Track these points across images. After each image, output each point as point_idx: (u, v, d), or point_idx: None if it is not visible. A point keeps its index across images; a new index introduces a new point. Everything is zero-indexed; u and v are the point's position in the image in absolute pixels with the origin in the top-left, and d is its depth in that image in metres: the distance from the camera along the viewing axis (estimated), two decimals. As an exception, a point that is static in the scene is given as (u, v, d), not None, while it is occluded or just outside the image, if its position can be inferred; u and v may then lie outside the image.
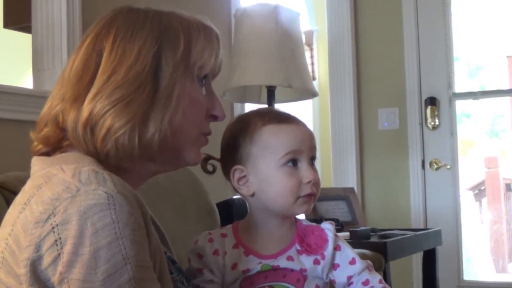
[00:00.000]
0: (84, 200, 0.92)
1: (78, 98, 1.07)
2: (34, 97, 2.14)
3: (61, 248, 0.90)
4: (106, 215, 0.91)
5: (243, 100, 3.08)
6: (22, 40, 3.05)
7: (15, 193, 1.06)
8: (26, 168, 1.08)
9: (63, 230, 0.91)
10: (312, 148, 1.22)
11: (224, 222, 2.33)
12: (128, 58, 1.08)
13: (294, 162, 1.20)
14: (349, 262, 1.22)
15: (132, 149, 1.06)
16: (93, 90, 1.07)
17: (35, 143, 1.11)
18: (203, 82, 1.16)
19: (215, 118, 1.18)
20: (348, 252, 1.23)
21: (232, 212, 2.41)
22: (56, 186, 0.96)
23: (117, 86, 1.06)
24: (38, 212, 0.94)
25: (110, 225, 0.91)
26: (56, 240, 0.91)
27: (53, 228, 0.91)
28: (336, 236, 1.24)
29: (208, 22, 1.18)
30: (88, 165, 1.01)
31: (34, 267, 0.92)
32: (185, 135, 1.12)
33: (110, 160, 1.07)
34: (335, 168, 4.01)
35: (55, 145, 1.09)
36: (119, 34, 1.10)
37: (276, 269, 1.18)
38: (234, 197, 2.44)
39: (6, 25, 2.84)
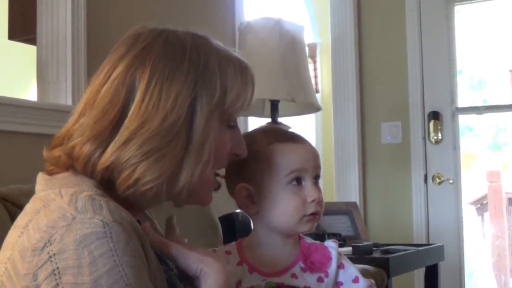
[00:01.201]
0: (80, 229, 0.92)
1: (100, 135, 1.03)
2: (39, 110, 2.15)
3: (60, 278, 0.90)
4: (103, 243, 0.91)
5: (247, 114, 3.08)
6: (27, 52, 3.06)
7: (18, 205, 1.07)
8: (30, 181, 1.08)
9: (61, 259, 0.90)
10: (317, 167, 1.23)
11: (226, 236, 2.32)
12: (164, 104, 1.02)
13: (298, 180, 1.20)
14: (353, 280, 1.23)
15: (157, 200, 1.04)
16: (122, 135, 1.02)
17: (47, 162, 1.08)
18: (232, 123, 1.13)
19: (236, 156, 1.16)
20: (352, 271, 1.23)
21: (235, 226, 2.40)
22: (53, 213, 0.95)
23: (151, 136, 1.01)
24: (35, 239, 0.93)
25: (108, 253, 0.90)
26: (54, 270, 0.90)
27: (50, 257, 0.91)
28: (339, 254, 1.24)
29: (244, 59, 1.14)
30: (86, 190, 1.00)
31: None
32: (209, 181, 1.11)
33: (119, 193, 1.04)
34: (337, 182, 4.01)
35: (63, 168, 1.07)
36: (155, 72, 1.04)
37: (280, 286, 1.18)
38: (237, 210, 2.43)
39: (11, 36, 2.85)
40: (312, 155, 1.23)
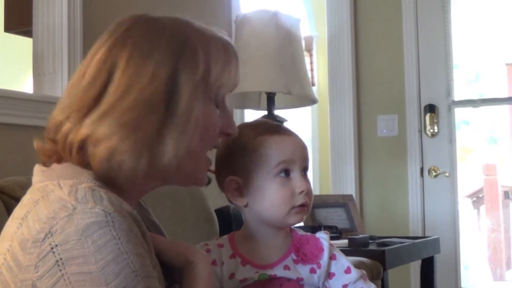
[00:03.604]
0: (81, 218, 0.91)
1: (80, 111, 1.04)
2: (34, 102, 2.14)
3: (64, 269, 0.90)
4: (106, 232, 0.91)
5: (243, 106, 3.09)
6: (23, 44, 3.06)
7: (14, 198, 1.06)
8: (26, 173, 1.08)
9: (63, 250, 0.90)
10: (305, 158, 1.23)
11: (222, 228, 2.33)
12: (142, 78, 1.03)
13: (286, 172, 1.21)
14: (345, 271, 1.24)
15: (135, 172, 1.03)
16: (100, 109, 1.03)
17: (38, 153, 1.08)
18: (221, 103, 1.14)
19: (227, 135, 1.17)
20: (343, 262, 1.25)
21: (230, 219, 2.41)
22: (53, 204, 0.95)
23: (127, 108, 1.02)
24: (35, 230, 0.93)
25: (112, 241, 0.91)
26: (57, 261, 0.90)
27: (52, 248, 0.91)
28: (331, 245, 1.25)
29: (226, 36, 1.15)
30: (85, 182, 1.00)
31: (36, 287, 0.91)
32: (200, 158, 1.11)
33: (106, 177, 1.04)
34: (333, 175, 4.01)
35: (52, 157, 1.07)
36: (134, 50, 1.05)
37: (273, 278, 1.19)
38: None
39: (7, 29, 2.84)
40: (300, 146, 1.24)
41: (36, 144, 1.09)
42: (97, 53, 1.07)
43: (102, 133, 1.01)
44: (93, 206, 0.93)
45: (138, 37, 1.07)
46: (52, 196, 0.97)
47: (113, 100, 1.03)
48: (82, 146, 1.03)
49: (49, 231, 0.92)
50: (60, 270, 0.90)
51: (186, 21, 1.12)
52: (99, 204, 0.94)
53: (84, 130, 1.02)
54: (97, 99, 1.04)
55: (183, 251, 1.08)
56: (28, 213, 0.97)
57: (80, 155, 1.03)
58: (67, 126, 1.04)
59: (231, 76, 1.13)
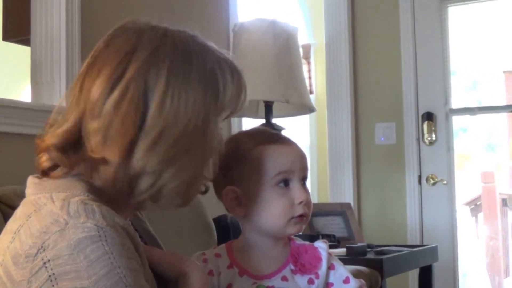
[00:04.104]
0: (73, 233, 0.91)
1: (128, 144, 1.00)
2: (32, 111, 2.14)
3: (57, 284, 0.89)
4: (99, 247, 0.90)
5: (241, 115, 3.09)
6: (21, 53, 3.06)
7: (12, 207, 1.06)
8: (24, 182, 1.07)
9: (56, 265, 0.90)
10: (304, 168, 1.22)
11: (220, 237, 2.32)
12: (184, 110, 1.01)
13: (285, 182, 1.20)
14: (343, 281, 1.22)
15: (172, 202, 1.05)
16: (147, 139, 1.00)
17: (51, 164, 1.04)
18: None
19: None
20: (342, 271, 1.23)
21: (229, 228, 2.40)
22: (45, 218, 0.94)
23: (175, 141, 1.01)
24: (27, 245, 0.93)
25: (105, 256, 0.90)
26: (49, 276, 0.90)
27: (44, 263, 0.90)
28: (330, 254, 1.24)
29: (236, 63, 1.13)
30: (78, 195, 0.99)
31: None
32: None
33: (104, 192, 1.03)
34: (331, 183, 4.01)
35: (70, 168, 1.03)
36: (170, 78, 1.02)
37: None
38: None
39: (5, 37, 2.84)
40: (299, 156, 1.23)
41: (56, 155, 1.03)
42: (124, 72, 1.02)
43: (150, 169, 1.01)
44: (85, 220, 0.92)
45: (170, 61, 1.03)
46: (45, 210, 0.96)
47: (157, 132, 1.00)
48: (133, 181, 1.02)
49: (42, 246, 0.91)
50: (53, 286, 0.89)
51: (204, 43, 1.10)
52: (91, 218, 0.93)
53: (136, 164, 1.00)
54: (139, 129, 1.00)
55: (177, 262, 1.08)
56: (21, 227, 0.96)
57: (124, 186, 1.02)
58: (116, 159, 1.00)
59: (238, 107, 1.13)
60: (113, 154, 1.00)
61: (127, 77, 1.01)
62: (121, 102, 1.00)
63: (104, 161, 1.01)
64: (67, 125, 1.03)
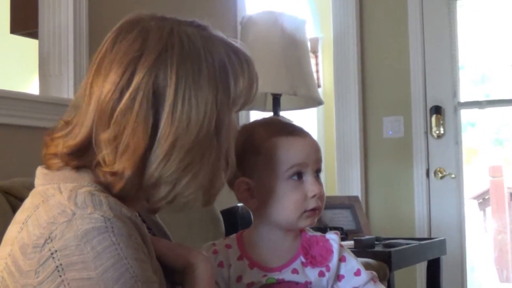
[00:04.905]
0: (80, 224, 0.91)
1: (142, 154, 0.98)
2: (41, 103, 2.15)
3: (64, 275, 0.89)
4: (105, 238, 0.90)
5: (249, 108, 3.08)
6: (29, 46, 3.06)
7: (20, 199, 1.05)
8: (32, 174, 1.07)
9: (63, 256, 0.90)
10: (318, 160, 1.20)
11: (228, 230, 2.33)
12: (196, 114, 0.99)
13: (299, 175, 1.18)
14: (354, 273, 1.21)
15: (192, 205, 1.05)
16: (161, 149, 0.98)
17: (54, 157, 1.03)
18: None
19: None
20: (353, 263, 1.22)
21: (236, 220, 2.40)
22: (52, 209, 0.94)
23: (188, 149, 0.99)
24: (35, 236, 0.93)
25: (111, 247, 0.90)
26: (57, 267, 0.90)
27: (51, 254, 0.90)
28: (341, 246, 1.22)
29: (247, 52, 1.10)
30: (86, 186, 0.98)
31: None
32: None
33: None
34: (339, 176, 4.01)
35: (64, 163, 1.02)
36: (180, 80, 0.99)
37: (280, 282, 1.17)
38: (239, 204, 2.43)
39: (13, 30, 2.85)
40: (314, 149, 1.21)
41: (63, 153, 1.02)
42: (132, 75, 0.99)
43: (167, 178, 0.99)
44: (92, 211, 0.92)
45: (178, 61, 1.00)
46: (52, 201, 0.96)
47: (172, 140, 0.98)
48: (148, 188, 1.01)
49: (49, 237, 0.91)
50: (60, 276, 0.90)
51: (210, 33, 1.07)
52: (99, 209, 0.93)
53: (151, 173, 0.99)
54: (152, 136, 0.98)
55: (184, 253, 1.07)
56: (29, 218, 0.96)
57: (140, 192, 1.01)
58: (128, 172, 0.98)
59: (249, 100, 1.10)
60: (125, 167, 0.98)
61: (134, 85, 0.98)
62: (129, 112, 0.98)
63: (115, 174, 0.99)
64: (80, 137, 1.01)
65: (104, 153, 0.99)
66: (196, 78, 1.00)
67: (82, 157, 1.01)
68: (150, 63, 0.99)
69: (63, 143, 1.02)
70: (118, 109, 0.98)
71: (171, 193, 1.01)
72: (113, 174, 0.99)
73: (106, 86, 0.99)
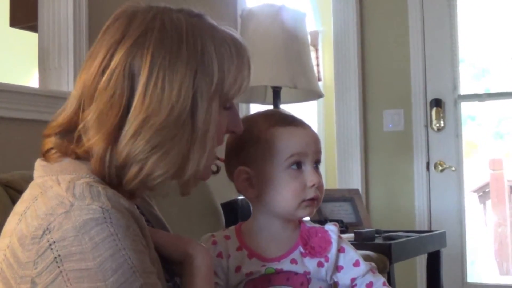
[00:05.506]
0: (78, 215, 0.91)
1: (109, 132, 0.99)
2: (40, 96, 2.15)
3: (62, 266, 0.90)
4: (103, 229, 0.91)
5: (249, 101, 3.09)
6: (29, 39, 3.06)
7: (20, 192, 1.06)
8: (32, 167, 1.07)
9: (61, 247, 0.90)
10: (317, 151, 1.21)
11: (228, 223, 2.33)
12: (169, 95, 1.00)
13: (298, 165, 1.19)
14: (353, 264, 1.22)
15: (162, 190, 1.05)
16: (130, 127, 0.99)
17: (50, 146, 1.05)
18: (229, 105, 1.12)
19: (232, 133, 1.16)
20: (352, 254, 1.23)
21: (237, 213, 2.41)
22: (50, 200, 0.95)
23: (158, 129, 0.99)
24: (33, 227, 0.93)
25: (109, 238, 0.91)
26: (55, 258, 0.90)
27: (50, 245, 0.91)
28: (340, 237, 1.23)
29: (239, 37, 1.11)
30: (84, 177, 0.99)
31: (35, 284, 0.91)
32: (210, 158, 1.09)
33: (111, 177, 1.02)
34: (339, 169, 4.01)
35: (66, 153, 1.04)
36: (155, 62, 1.01)
37: (279, 272, 1.18)
38: (239, 197, 2.44)
39: (13, 24, 2.85)
40: (313, 139, 1.22)
41: (48, 140, 1.05)
42: (112, 56, 1.02)
43: (135, 157, 0.99)
44: (91, 202, 0.93)
45: (156, 44, 1.02)
46: (50, 192, 0.97)
47: (141, 119, 0.99)
48: (120, 169, 1.01)
49: (47, 228, 0.92)
50: (59, 267, 0.90)
51: (200, 17, 1.09)
52: (97, 200, 0.93)
53: (122, 154, 0.99)
54: (123, 115, 1.00)
55: (182, 244, 1.08)
56: (27, 209, 0.96)
57: (112, 174, 1.01)
58: (100, 146, 1.00)
59: (244, 82, 1.10)
60: (95, 143, 1.00)
61: (112, 65, 1.01)
62: (106, 90, 1.00)
63: (89, 151, 1.01)
64: (64, 116, 1.05)
65: (82, 130, 1.01)
66: (173, 59, 1.01)
67: (67, 136, 1.03)
68: (130, 44, 1.02)
69: (51, 126, 1.05)
70: (98, 87, 1.01)
71: (140, 173, 1.00)
72: (87, 151, 1.01)
73: (92, 69, 1.03)
